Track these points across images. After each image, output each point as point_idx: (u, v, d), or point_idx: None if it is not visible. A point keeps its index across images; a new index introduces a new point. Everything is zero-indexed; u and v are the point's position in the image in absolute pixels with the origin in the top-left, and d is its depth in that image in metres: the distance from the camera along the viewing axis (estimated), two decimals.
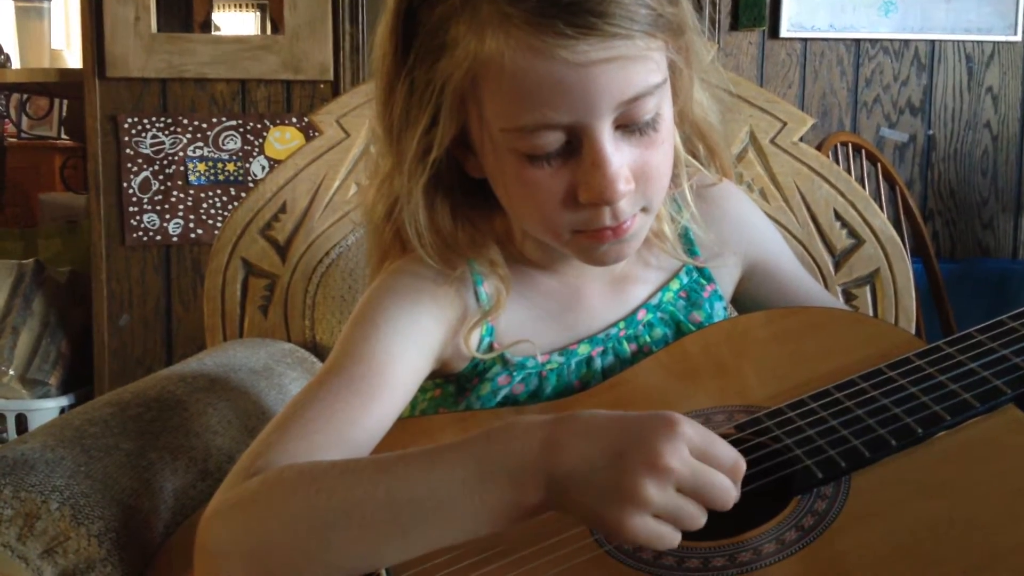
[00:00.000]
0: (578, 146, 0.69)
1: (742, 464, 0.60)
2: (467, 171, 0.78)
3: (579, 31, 0.65)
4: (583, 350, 0.82)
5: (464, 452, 0.61)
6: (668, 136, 0.74)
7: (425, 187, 0.75)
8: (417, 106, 0.73)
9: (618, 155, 0.69)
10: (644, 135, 0.71)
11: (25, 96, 3.54)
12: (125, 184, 2.41)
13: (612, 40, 0.66)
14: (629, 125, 0.70)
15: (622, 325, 0.84)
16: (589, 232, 0.73)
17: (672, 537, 0.58)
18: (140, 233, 2.42)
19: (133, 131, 2.40)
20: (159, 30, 2.40)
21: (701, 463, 0.58)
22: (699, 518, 0.58)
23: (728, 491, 0.58)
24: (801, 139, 1.23)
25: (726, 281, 0.91)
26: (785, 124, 1.22)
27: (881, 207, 1.22)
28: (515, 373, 0.81)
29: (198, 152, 2.42)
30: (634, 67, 0.67)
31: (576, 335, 0.83)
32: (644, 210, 0.74)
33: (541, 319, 0.82)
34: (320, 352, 1.24)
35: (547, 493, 0.59)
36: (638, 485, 0.56)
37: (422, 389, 0.82)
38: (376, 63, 0.75)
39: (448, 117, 0.72)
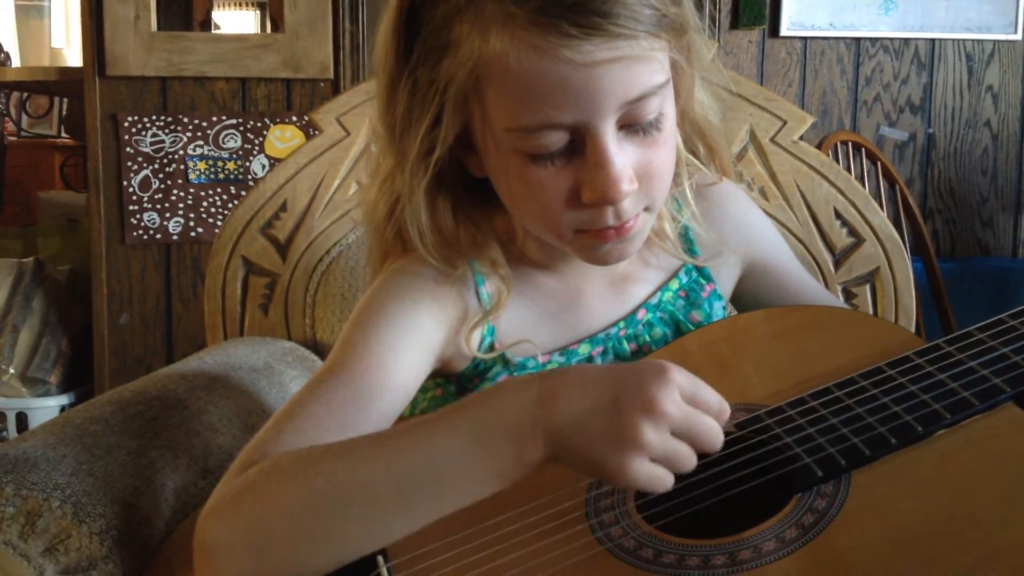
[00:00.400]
0: (582, 146, 0.69)
1: (727, 408, 0.63)
2: (469, 170, 0.78)
3: (583, 31, 0.65)
4: (583, 350, 0.83)
5: (459, 416, 0.63)
6: (671, 135, 0.74)
7: (427, 186, 0.75)
8: (420, 105, 0.73)
9: (621, 155, 0.69)
10: (647, 135, 0.71)
11: (25, 94, 3.55)
12: (125, 182, 2.41)
13: (616, 40, 0.66)
14: (632, 125, 0.70)
15: (622, 325, 0.84)
16: (592, 231, 0.73)
17: (667, 479, 0.60)
18: (140, 231, 2.43)
19: (133, 129, 2.40)
20: (159, 28, 2.39)
21: (692, 407, 0.60)
22: (691, 459, 0.61)
23: (717, 433, 0.61)
24: (801, 138, 1.23)
25: (726, 280, 0.91)
26: (785, 122, 1.22)
27: (881, 206, 1.23)
28: (516, 373, 0.81)
29: (198, 150, 2.42)
30: (638, 67, 0.68)
31: (576, 335, 0.83)
32: (647, 209, 0.74)
33: (542, 319, 0.82)
34: (320, 350, 1.24)
35: (546, 445, 0.60)
36: (637, 429, 0.58)
37: (422, 389, 0.82)
38: (378, 62, 0.75)
39: (451, 116, 0.72)
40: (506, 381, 0.64)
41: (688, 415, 0.60)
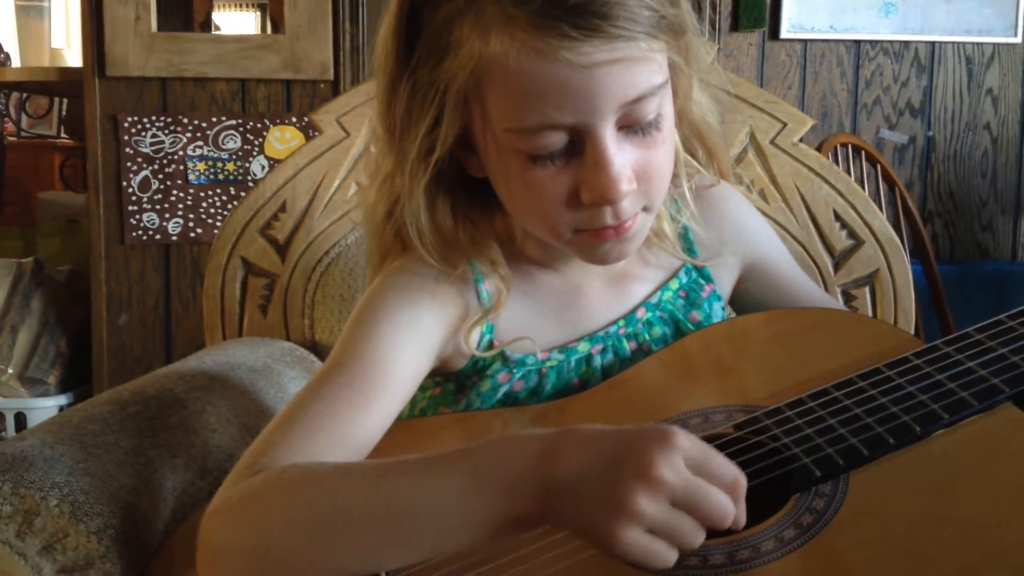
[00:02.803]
0: (581, 146, 0.69)
1: (742, 481, 0.57)
2: (468, 170, 0.78)
3: (583, 33, 0.65)
4: (583, 348, 0.83)
5: (462, 462, 0.61)
6: (669, 136, 0.74)
7: (426, 186, 0.76)
8: (420, 106, 0.73)
9: (620, 155, 0.69)
10: (646, 135, 0.71)
11: (25, 95, 3.54)
12: (125, 183, 2.41)
13: (615, 42, 0.66)
14: (631, 125, 0.70)
15: (622, 323, 0.84)
16: (591, 231, 0.73)
17: (666, 555, 0.56)
18: (139, 232, 2.43)
19: (133, 130, 2.40)
20: (159, 29, 2.40)
21: (697, 477, 0.56)
22: (695, 535, 0.56)
23: (725, 507, 0.56)
24: (801, 140, 1.23)
25: (725, 281, 0.91)
26: (785, 125, 1.22)
27: (881, 208, 1.23)
28: (515, 370, 0.81)
29: (198, 151, 2.42)
30: (637, 68, 0.68)
31: (576, 333, 0.83)
32: (645, 209, 0.74)
33: (542, 316, 0.82)
34: (319, 351, 1.24)
35: (540, 504, 0.58)
36: (629, 495, 0.54)
37: (422, 387, 0.82)
38: (378, 63, 0.75)
39: (451, 117, 0.72)
40: (514, 433, 0.61)
41: (690, 485, 0.55)
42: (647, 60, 0.68)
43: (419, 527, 0.61)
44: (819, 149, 2.24)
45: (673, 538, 0.55)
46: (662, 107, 0.71)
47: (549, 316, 0.83)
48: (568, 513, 0.57)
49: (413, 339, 0.76)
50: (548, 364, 0.81)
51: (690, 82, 0.77)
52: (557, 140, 0.69)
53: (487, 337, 0.81)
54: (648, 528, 0.55)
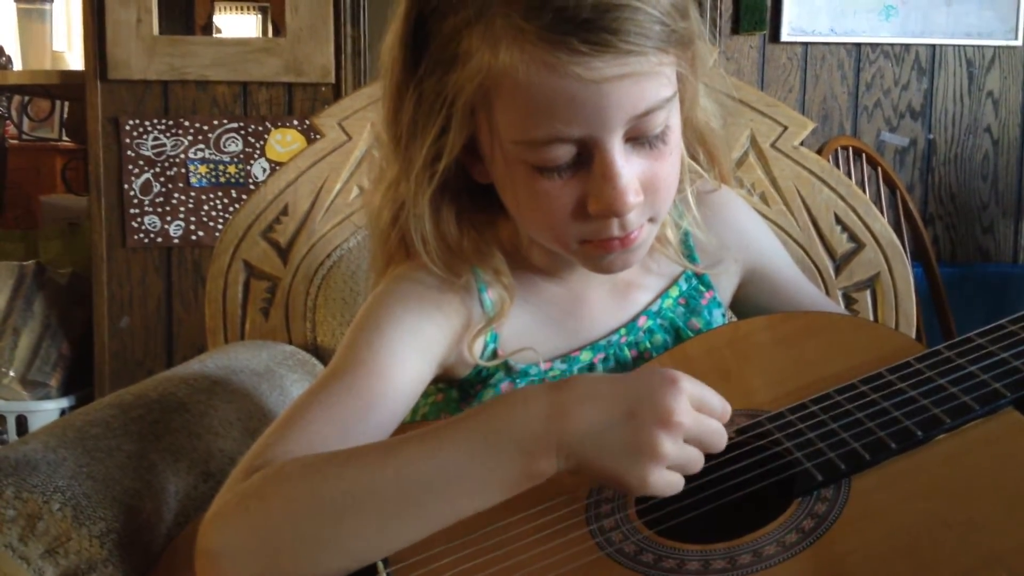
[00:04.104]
0: (588, 158, 0.69)
1: (728, 408, 0.65)
2: (474, 177, 0.78)
3: (593, 48, 0.65)
4: (585, 356, 0.83)
5: (468, 427, 0.63)
6: (676, 147, 0.74)
7: (431, 194, 0.76)
8: (426, 116, 0.73)
9: (628, 168, 0.70)
10: (654, 147, 0.71)
11: (27, 98, 3.55)
12: (126, 186, 2.41)
13: (626, 57, 0.66)
14: (639, 138, 0.70)
15: (623, 331, 0.84)
16: (596, 242, 0.73)
17: (679, 483, 0.62)
18: (141, 235, 2.43)
19: (134, 133, 2.40)
20: (161, 32, 2.40)
21: (700, 414, 0.63)
22: (701, 462, 0.63)
23: (722, 435, 0.64)
24: (802, 143, 1.23)
25: (725, 287, 0.91)
26: (786, 128, 1.22)
27: (881, 211, 1.23)
28: (518, 380, 0.81)
29: (199, 154, 2.42)
30: (646, 82, 0.68)
31: (578, 341, 0.83)
32: (651, 220, 0.74)
33: (545, 325, 0.83)
34: (321, 354, 1.24)
35: (559, 458, 0.61)
36: (656, 441, 0.60)
37: (424, 394, 0.82)
38: (384, 71, 0.75)
39: (458, 127, 0.72)
40: (513, 392, 0.65)
41: (698, 422, 0.62)
42: (656, 74, 0.68)
43: (433, 497, 0.62)
44: (820, 152, 2.24)
45: (685, 468, 0.63)
46: (669, 119, 0.71)
47: (552, 325, 0.83)
48: (593, 463, 0.61)
49: (415, 348, 0.76)
50: (551, 374, 0.81)
51: (696, 89, 0.77)
52: (565, 152, 0.69)
53: (491, 346, 0.81)
54: (668, 466, 0.61)
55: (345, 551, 0.62)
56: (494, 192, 0.77)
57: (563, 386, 0.63)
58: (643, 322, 0.85)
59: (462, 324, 0.79)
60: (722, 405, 0.65)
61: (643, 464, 0.60)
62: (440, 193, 0.76)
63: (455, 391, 0.83)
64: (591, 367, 0.83)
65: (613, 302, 0.85)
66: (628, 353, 0.84)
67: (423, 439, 0.64)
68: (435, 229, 0.77)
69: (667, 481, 0.61)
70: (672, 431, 0.60)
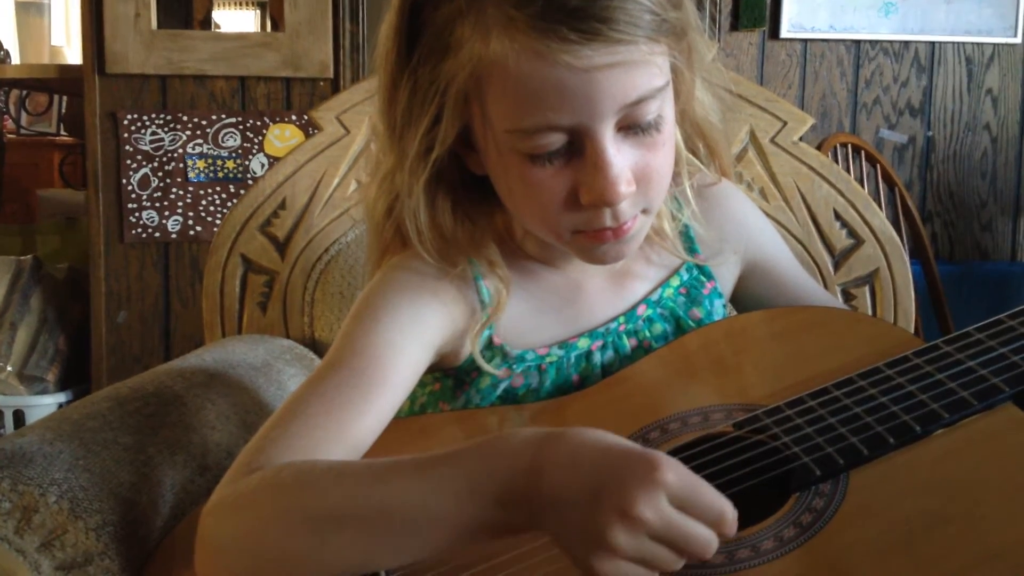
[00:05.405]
0: (580, 147, 0.69)
1: (729, 516, 0.56)
2: (469, 167, 0.78)
3: (584, 37, 0.65)
4: (583, 344, 0.83)
5: (455, 466, 0.61)
6: (669, 137, 0.74)
7: (426, 184, 0.76)
8: (420, 105, 0.73)
9: (620, 157, 0.69)
10: (646, 136, 0.71)
11: (25, 92, 3.55)
12: (124, 181, 2.41)
13: (616, 46, 0.66)
14: (631, 127, 0.70)
15: (622, 320, 0.84)
16: (589, 232, 0.73)
17: None
18: (139, 230, 2.42)
19: (132, 128, 2.40)
20: (159, 27, 2.39)
21: (679, 514, 0.55)
22: (674, 563, 0.56)
23: (707, 543, 0.55)
24: (801, 139, 1.23)
25: (726, 279, 0.91)
26: (785, 123, 1.22)
27: (880, 208, 1.23)
28: (515, 366, 0.81)
29: (197, 149, 2.42)
30: (637, 71, 0.68)
31: (576, 329, 0.83)
32: (644, 211, 0.74)
33: (542, 312, 0.83)
34: (319, 349, 1.24)
35: (528, 516, 0.58)
36: (608, 531, 0.54)
37: (421, 383, 0.82)
38: (379, 61, 0.75)
39: (451, 116, 0.72)
40: (507, 435, 0.61)
41: (670, 524, 0.54)
42: (647, 63, 0.68)
43: (413, 530, 0.60)
44: (819, 149, 2.23)
45: (653, 566, 0.55)
46: (662, 109, 0.71)
47: (549, 312, 0.83)
48: (552, 531, 0.57)
49: (413, 336, 0.76)
50: (548, 360, 0.81)
51: (692, 82, 0.77)
52: (556, 141, 0.69)
53: (487, 333, 0.81)
54: (627, 559, 0.55)
55: (327, 566, 0.62)
56: (489, 183, 0.77)
57: (552, 440, 0.58)
58: (643, 311, 0.85)
59: (460, 312, 0.79)
60: (718, 509, 0.56)
61: (593, 552, 0.54)
62: (435, 184, 0.76)
63: (451, 379, 0.83)
64: (588, 354, 0.83)
65: (612, 291, 0.85)
66: (627, 342, 0.84)
67: (414, 471, 0.62)
68: (430, 220, 0.77)
69: (623, 574, 0.55)
70: (629, 526, 0.53)
